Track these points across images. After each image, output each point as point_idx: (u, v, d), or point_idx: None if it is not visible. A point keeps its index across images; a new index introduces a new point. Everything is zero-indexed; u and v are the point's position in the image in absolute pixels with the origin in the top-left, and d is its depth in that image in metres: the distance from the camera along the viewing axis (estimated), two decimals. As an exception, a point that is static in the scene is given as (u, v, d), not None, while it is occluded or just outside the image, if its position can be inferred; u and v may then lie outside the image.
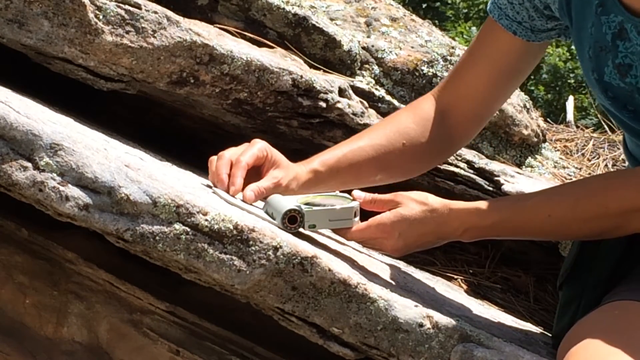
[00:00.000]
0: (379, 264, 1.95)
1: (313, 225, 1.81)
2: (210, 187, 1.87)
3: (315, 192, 1.91)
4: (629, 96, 1.81)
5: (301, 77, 2.32)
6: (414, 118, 2.01)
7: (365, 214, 1.88)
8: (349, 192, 1.89)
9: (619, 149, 3.32)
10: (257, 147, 1.86)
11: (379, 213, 1.86)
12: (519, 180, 2.55)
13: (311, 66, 2.54)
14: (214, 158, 1.88)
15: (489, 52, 1.97)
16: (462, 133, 2.05)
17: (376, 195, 1.87)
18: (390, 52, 2.74)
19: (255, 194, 1.83)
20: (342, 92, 2.44)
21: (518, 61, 1.97)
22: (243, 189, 1.83)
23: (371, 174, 2.00)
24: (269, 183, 1.85)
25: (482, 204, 1.86)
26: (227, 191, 1.82)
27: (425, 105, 2.02)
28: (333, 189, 1.94)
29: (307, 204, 1.82)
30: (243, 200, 1.80)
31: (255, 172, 1.87)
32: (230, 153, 1.87)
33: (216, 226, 1.67)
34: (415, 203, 1.84)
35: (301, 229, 1.80)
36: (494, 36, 1.95)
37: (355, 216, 1.84)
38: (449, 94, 2.02)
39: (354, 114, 2.41)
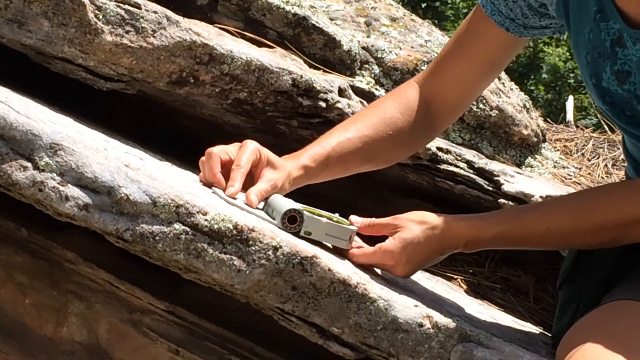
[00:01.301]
0: (379, 263, 1.95)
1: (309, 233, 1.81)
2: (209, 187, 1.86)
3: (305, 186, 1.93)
4: (627, 102, 1.80)
5: (301, 77, 2.31)
6: (399, 107, 2.01)
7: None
8: (347, 217, 1.89)
9: (618, 149, 3.32)
10: (252, 150, 1.85)
11: (378, 236, 1.87)
12: (519, 180, 2.54)
13: (311, 66, 2.54)
14: (204, 159, 1.88)
15: (479, 46, 1.97)
16: (443, 121, 2.07)
17: (374, 220, 1.87)
18: (390, 52, 2.73)
19: (259, 198, 1.83)
20: (342, 92, 2.44)
21: (507, 54, 2.00)
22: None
23: (359, 165, 2.02)
24: (268, 186, 1.85)
25: (482, 217, 1.87)
26: (224, 190, 1.82)
27: (410, 94, 2.03)
28: (321, 181, 1.96)
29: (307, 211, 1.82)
30: (247, 204, 1.81)
31: (248, 173, 1.87)
32: (218, 150, 1.86)
33: (216, 226, 1.67)
34: (415, 224, 1.84)
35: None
36: (485, 30, 1.96)
37: (350, 240, 1.84)
38: (435, 83, 2.02)
39: (354, 114, 2.40)
